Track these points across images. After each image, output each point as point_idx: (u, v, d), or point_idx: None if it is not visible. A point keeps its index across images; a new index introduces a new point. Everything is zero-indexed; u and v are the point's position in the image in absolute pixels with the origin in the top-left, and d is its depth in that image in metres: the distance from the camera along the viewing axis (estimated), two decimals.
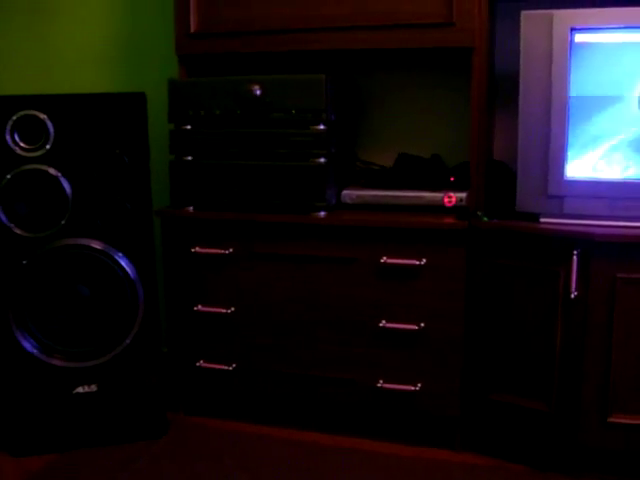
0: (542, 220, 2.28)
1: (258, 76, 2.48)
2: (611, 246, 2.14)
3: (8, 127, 2.36)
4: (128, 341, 2.50)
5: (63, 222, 2.43)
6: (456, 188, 2.51)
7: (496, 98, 2.70)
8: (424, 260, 2.38)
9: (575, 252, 2.17)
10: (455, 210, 2.45)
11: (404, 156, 2.71)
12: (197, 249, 2.58)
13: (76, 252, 2.45)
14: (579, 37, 2.18)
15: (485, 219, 2.35)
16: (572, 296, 2.19)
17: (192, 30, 2.59)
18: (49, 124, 2.38)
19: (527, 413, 2.35)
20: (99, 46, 3.10)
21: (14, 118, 2.36)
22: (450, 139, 2.77)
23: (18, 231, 2.41)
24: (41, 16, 3.17)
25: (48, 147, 2.39)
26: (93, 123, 2.41)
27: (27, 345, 2.45)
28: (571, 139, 2.22)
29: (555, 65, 2.19)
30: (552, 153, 2.23)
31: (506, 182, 2.54)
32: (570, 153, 2.23)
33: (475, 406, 2.46)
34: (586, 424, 2.24)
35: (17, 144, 2.37)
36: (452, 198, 2.44)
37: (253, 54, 2.61)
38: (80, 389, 2.51)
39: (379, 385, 2.48)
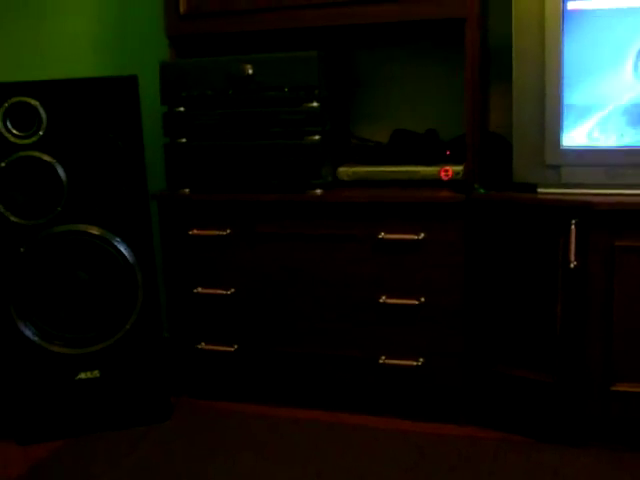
0: (539, 190, 2.26)
1: (249, 55, 2.46)
2: (609, 214, 2.13)
3: (0, 114, 2.35)
4: (129, 326, 2.49)
5: (59, 208, 2.41)
6: (452, 162, 2.49)
7: (490, 70, 2.67)
8: (422, 234, 2.37)
9: (573, 221, 2.16)
10: (452, 184, 2.43)
11: (399, 132, 2.69)
12: (195, 231, 2.57)
13: (73, 238, 2.44)
14: (572, 4, 2.15)
15: (482, 191, 2.34)
16: (571, 266, 2.18)
17: (182, 11, 2.56)
18: (41, 110, 2.36)
19: (530, 385, 2.34)
20: (89, 30, 3.08)
21: (6, 105, 2.34)
22: (445, 113, 2.75)
23: (14, 219, 2.39)
24: (29, 3, 3.14)
25: (41, 133, 2.37)
26: (86, 108, 2.39)
27: (28, 333, 2.45)
28: (566, 108, 2.20)
29: (548, 33, 2.17)
30: (547, 122, 2.21)
31: (503, 154, 2.52)
32: (565, 122, 2.21)
33: (478, 380, 2.46)
34: (590, 394, 2.23)
35: (10, 131, 2.36)
36: (449, 172, 2.42)
37: (243, 33, 2.58)
38: (82, 375, 2.51)
39: (381, 361, 2.48)
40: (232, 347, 2.62)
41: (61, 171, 2.40)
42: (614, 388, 2.20)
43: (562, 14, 2.15)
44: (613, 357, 2.19)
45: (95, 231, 2.44)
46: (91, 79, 2.42)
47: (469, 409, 2.49)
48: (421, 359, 2.45)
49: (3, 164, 2.37)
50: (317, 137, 2.43)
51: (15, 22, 3.17)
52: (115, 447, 2.44)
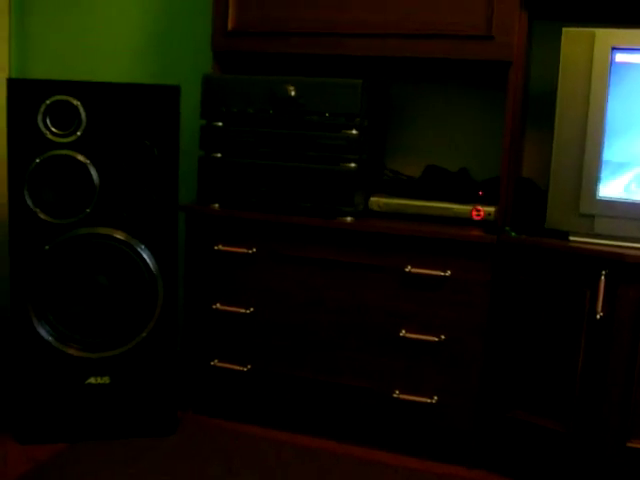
0: (571, 238, 2.26)
1: (294, 77, 2.47)
2: None
3: (41, 111, 2.34)
4: (144, 335, 2.48)
5: (88, 210, 2.41)
6: (484, 202, 2.49)
7: (527, 115, 2.69)
8: (449, 272, 2.36)
9: (603, 272, 2.15)
10: (483, 224, 2.43)
11: (432, 168, 2.70)
12: (220, 247, 2.56)
13: (99, 241, 2.43)
14: (620, 57, 2.17)
15: (513, 234, 2.34)
16: (598, 317, 2.17)
17: (229, 28, 2.58)
18: (82, 111, 2.37)
19: (544, 433, 2.32)
20: (135, 37, 3.11)
21: (47, 102, 2.34)
22: (478, 154, 2.76)
23: (43, 216, 2.39)
24: (80, 4, 3.17)
25: (79, 134, 2.37)
26: (126, 113, 2.40)
27: (43, 332, 2.43)
28: (606, 159, 2.21)
29: (594, 84, 2.18)
30: (585, 171, 2.22)
31: (534, 200, 2.53)
32: (604, 173, 2.21)
33: (491, 423, 2.43)
34: (604, 448, 2.21)
35: (48, 128, 2.36)
36: (481, 212, 2.42)
37: (287, 55, 2.60)
38: (92, 380, 2.48)
39: (395, 395, 2.46)
40: (245, 367, 2.60)
41: (94, 173, 2.40)
42: (630, 444, 2.18)
43: (610, 66, 2.17)
44: (631, 412, 2.17)
45: (121, 236, 2.43)
46: (134, 85, 2.42)
47: (479, 452, 2.46)
48: (435, 397, 2.42)
49: (38, 160, 2.36)
50: (353, 165, 2.43)
51: (63, 25, 3.20)
52: (116, 456, 2.41)
